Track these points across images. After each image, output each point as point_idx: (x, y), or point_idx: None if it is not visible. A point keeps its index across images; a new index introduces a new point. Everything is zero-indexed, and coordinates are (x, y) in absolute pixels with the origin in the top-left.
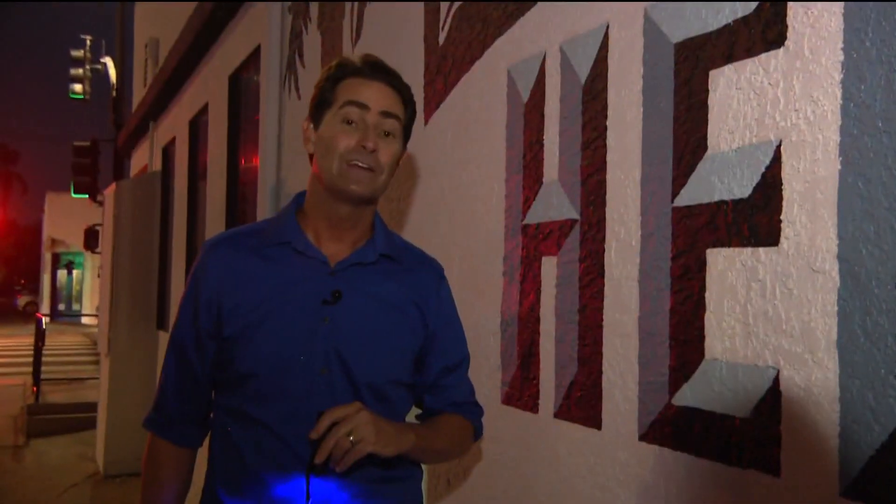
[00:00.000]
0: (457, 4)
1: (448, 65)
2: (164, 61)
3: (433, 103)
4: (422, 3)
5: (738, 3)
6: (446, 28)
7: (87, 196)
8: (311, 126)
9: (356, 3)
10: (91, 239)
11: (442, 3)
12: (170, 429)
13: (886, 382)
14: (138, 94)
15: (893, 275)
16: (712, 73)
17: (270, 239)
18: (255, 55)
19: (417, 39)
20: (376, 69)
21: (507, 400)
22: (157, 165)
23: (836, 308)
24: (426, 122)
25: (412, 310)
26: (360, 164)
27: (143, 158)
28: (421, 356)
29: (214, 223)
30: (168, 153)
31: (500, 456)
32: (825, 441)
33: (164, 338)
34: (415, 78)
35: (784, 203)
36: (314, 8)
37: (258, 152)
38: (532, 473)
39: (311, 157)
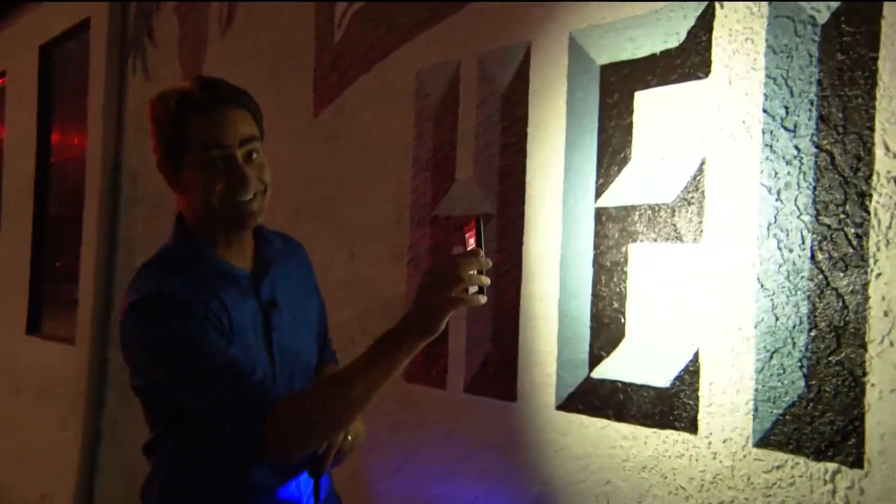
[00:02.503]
0: (357, 5)
1: (345, 62)
2: None
3: (325, 97)
4: None
5: (662, 35)
6: (343, 26)
7: None
8: (169, 167)
9: None
10: None
11: (338, 3)
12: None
13: (791, 356)
14: None
15: (799, 270)
16: (638, 94)
17: (200, 272)
18: (79, 28)
19: (306, 33)
20: (219, 98)
21: (411, 378)
22: None
23: (752, 297)
24: (316, 114)
25: (310, 284)
26: (243, 200)
27: None
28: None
29: (19, 199)
30: None
31: (402, 429)
32: (740, 405)
33: None
34: (303, 71)
35: (707, 207)
36: None
37: (85, 130)
38: (437, 444)
39: (178, 191)
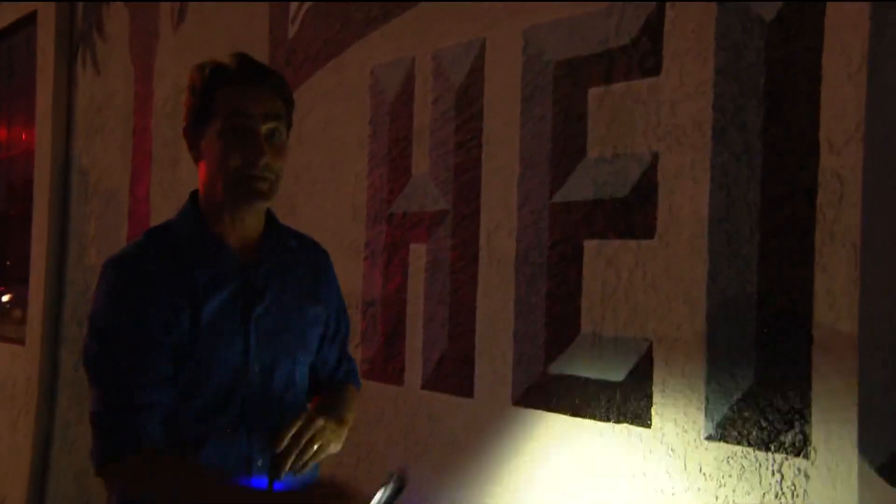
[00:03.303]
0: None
1: (300, 58)
2: None
3: None
4: None
5: (615, 33)
6: (297, 22)
7: None
8: (193, 134)
9: None
10: None
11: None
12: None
13: (741, 349)
14: None
15: (749, 265)
16: (591, 91)
17: (185, 246)
18: (27, 22)
19: (260, 29)
20: (253, 74)
21: (368, 375)
22: None
23: (704, 293)
24: None
25: (318, 292)
26: (256, 175)
27: None
28: (324, 335)
29: None
30: None
31: (359, 425)
32: (691, 397)
33: None
34: None
35: (659, 202)
36: None
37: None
38: (394, 440)
39: (196, 161)
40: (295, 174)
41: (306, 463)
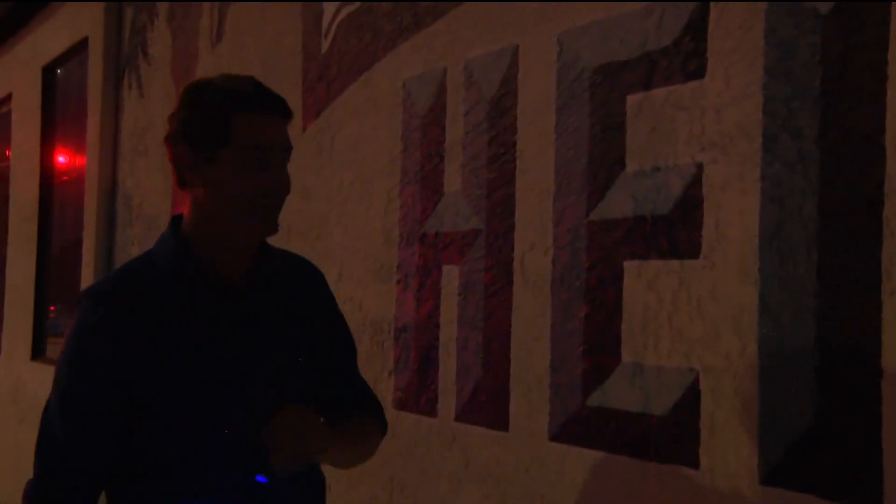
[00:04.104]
0: (344, 13)
1: (332, 73)
2: None
3: (313, 111)
4: (297, 7)
5: (654, 34)
6: (330, 36)
7: None
8: (198, 157)
9: (217, 3)
10: None
11: (326, 10)
12: None
13: (799, 383)
14: None
15: (805, 287)
16: (630, 98)
17: (168, 280)
18: (79, 48)
19: (294, 44)
20: (273, 101)
21: (401, 405)
22: None
23: (756, 318)
24: (304, 128)
25: (315, 315)
26: (270, 206)
27: None
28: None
29: (24, 224)
30: None
31: (391, 460)
32: (744, 436)
33: None
34: (291, 84)
35: (705, 219)
36: (162, 4)
37: (85, 151)
38: (427, 474)
39: (192, 185)
40: (326, 195)
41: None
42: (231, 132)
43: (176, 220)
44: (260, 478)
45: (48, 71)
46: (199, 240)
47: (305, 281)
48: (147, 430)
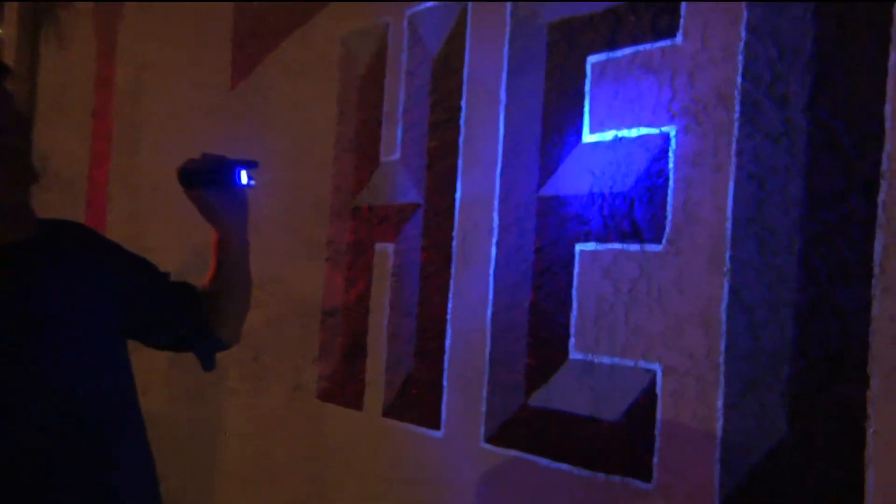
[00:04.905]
0: None
1: (264, 28)
2: None
3: (244, 67)
4: None
5: None
6: None
7: None
8: None
9: None
10: None
11: None
12: None
13: (773, 390)
14: None
15: (786, 280)
16: (591, 59)
17: None
18: None
19: None
20: None
21: (326, 396)
22: None
23: (724, 312)
24: (233, 86)
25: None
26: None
27: None
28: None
29: None
30: None
31: (314, 453)
32: (706, 448)
33: None
34: (220, 37)
35: (670, 198)
36: None
37: None
38: (351, 473)
39: None
40: (260, 162)
41: None
42: None
43: None
44: None
45: None
46: None
47: (74, 241)
48: None
